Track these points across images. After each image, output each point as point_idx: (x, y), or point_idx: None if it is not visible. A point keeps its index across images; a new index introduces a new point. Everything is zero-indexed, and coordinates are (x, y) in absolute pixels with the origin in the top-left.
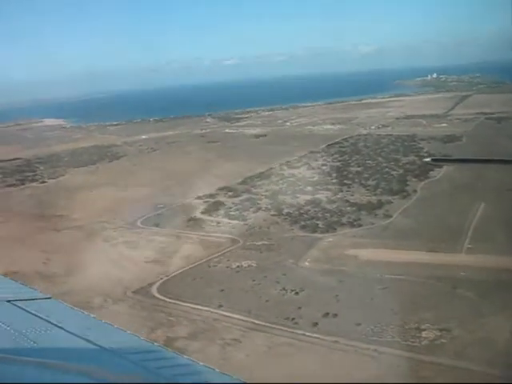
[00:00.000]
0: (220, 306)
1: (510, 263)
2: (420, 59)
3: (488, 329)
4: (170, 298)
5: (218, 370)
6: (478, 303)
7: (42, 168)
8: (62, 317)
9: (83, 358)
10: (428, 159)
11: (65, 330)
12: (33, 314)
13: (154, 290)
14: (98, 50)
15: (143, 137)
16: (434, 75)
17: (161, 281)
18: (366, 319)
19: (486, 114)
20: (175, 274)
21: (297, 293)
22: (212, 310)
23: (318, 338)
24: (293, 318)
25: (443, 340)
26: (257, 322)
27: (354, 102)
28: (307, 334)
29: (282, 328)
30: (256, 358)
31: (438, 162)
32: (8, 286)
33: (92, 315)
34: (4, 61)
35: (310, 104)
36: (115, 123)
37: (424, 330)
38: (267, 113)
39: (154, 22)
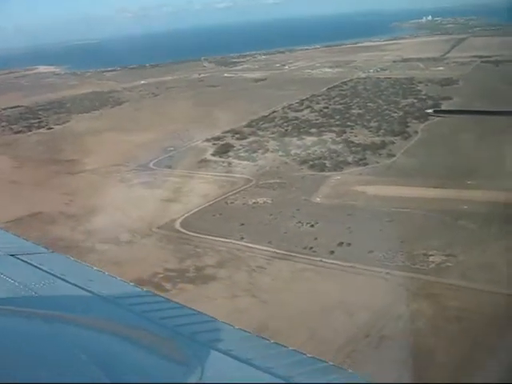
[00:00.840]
0: (242, 237)
1: (510, 197)
2: (415, 0)
3: (490, 254)
4: (193, 232)
5: (221, 321)
6: (480, 233)
7: (45, 115)
8: (64, 269)
9: (86, 308)
10: (430, 110)
11: (67, 281)
12: (35, 267)
13: (177, 225)
14: None
15: (142, 82)
16: (429, 17)
17: (182, 217)
18: (377, 247)
19: (482, 57)
20: (195, 210)
21: (312, 225)
22: (234, 241)
23: (335, 263)
24: (311, 247)
25: (449, 264)
26: (278, 251)
27: (350, 45)
28: (325, 260)
29: (302, 256)
30: (281, 282)
31: (440, 113)
32: (10, 241)
33: (94, 267)
34: None
35: (306, 47)
36: (110, 69)
37: (431, 255)
38: (264, 57)
39: None
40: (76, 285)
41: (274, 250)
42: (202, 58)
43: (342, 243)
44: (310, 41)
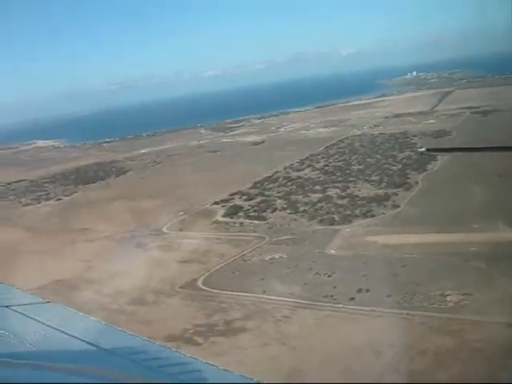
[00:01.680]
0: (264, 291)
1: None
2: (396, 58)
3: (503, 290)
4: (216, 289)
5: (220, 367)
6: (490, 272)
7: (51, 187)
8: (61, 320)
9: (84, 359)
10: (422, 149)
11: (65, 332)
12: (32, 319)
13: (199, 284)
14: (77, 68)
15: (142, 151)
16: (414, 73)
17: (203, 276)
18: (395, 291)
19: (470, 108)
20: (214, 269)
21: (329, 275)
22: (257, 295)
23: (357, 308)
24: (331, 296)
25: (466, 302)
26: (300, 301)
27: (341, 105)
28: (346, 306)
29: (324, 304)
30: (308, 329)
31: (432, 151)
32: (7, 292)
33: (92, 317)
34: None
35: (298, 109)
36: (109, 140)
37: (448, 295)
38: (258, 120)
39: (132, 39)
40: (73, 336)
41: (296, 300)
42: (198, 124)
43: (361, 290)
44: (301, 102)
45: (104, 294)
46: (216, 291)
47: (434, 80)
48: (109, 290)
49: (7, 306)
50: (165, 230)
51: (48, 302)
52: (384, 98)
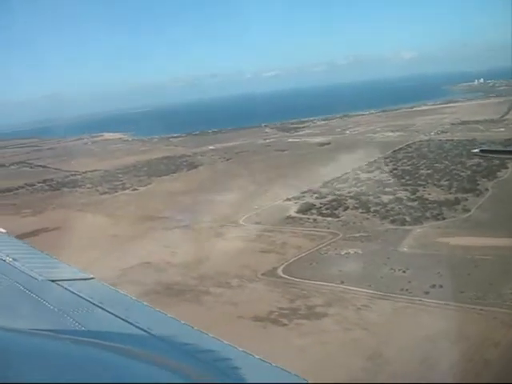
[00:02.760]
0: (342, 282)
1: None
2: (462, 64)
3: None
4: (296, 278)
5: (257, 357)
6: None
7: (125, 178)
8: (103, 297)
9: (122, 338)
10: (476, 150)
11: (105, 310)
12: (75, 294)
13: (279, 272)
14: (144, 65)
15: (210, 147)
16: (481, 80)
17: (282, 266)
18: (468, 288)
19: None
20: (293, 260)
21: (404, 271)
22: (336, 285)
23: (432, 301)
24: (407, 289)
25: None
26: (378, 292)
27: (405, 110)
28: (422, 299)
29: (400, 296)
30: (386, 317)
31: (487, 152)
32: (52, 266)
33: (133, 297)
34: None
35: (362, 113)
36: (175, 135)
37: None
38: (322, 122)
39: (197, 38)
40: (113, 314)
41: (373, 291)
42: (263, 124)
43: (435, 285)
44: (365, 106)
45: (190, 277)
46: (296, 279)
47: (502, 88)
48: (194, 273)
49: (53, 281)
50: (241, 222)
51: (92, 278)
52: (450, 105)
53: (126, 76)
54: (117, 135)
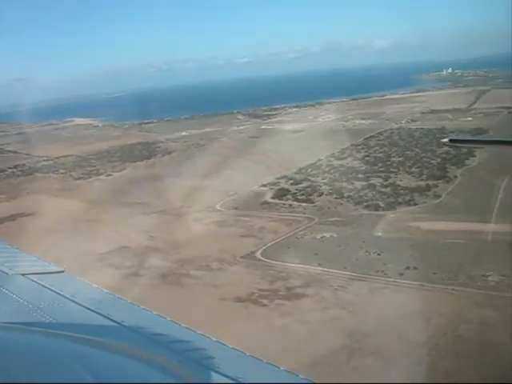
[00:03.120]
0: (319, 264)
1: None
2: (431, 53)
3: None
4: (274, 261)
5: (228, 345)
6: None
7: (99, 163)
8: (74, 290)
9: (94, 330)
10: (445, 140)
11: (77, 303)
12: (46, 288)
13: (258, 256)
14: (111, 49)
15: (183, 133)
16: (450, 70)
17: (261, 249)
18: (440, 270)
19: (508, 108)
20: (271, 243)
21: (379, 254)
22: (313, 267)
23: (406, 283)
24: (382, 271)
25: (508, 282)
26: (353, 274)
27: (377, 98)
28: (397, 280)
29: (376, 278)
30: (363, 297)
31: (456, 142)
32: (22, 259)
33: (104, 289)
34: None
35: (333, 100)
36: (147, 121)
37: (489, 275)
38: (294, 109)
39: (166, 24)
40: (85, 306)
41: (349, 273)
42: (235, 110)
43: (409, 267)
44: (336, 94)
45: (170, 261)
46: (274, 262)
47: (470, 78)
48: (174, 257)
49: (23, 274)
50: (218, 207)
51: (62, 271)
52: (420, 94)
53: (99, 61)
54: (88, 121)
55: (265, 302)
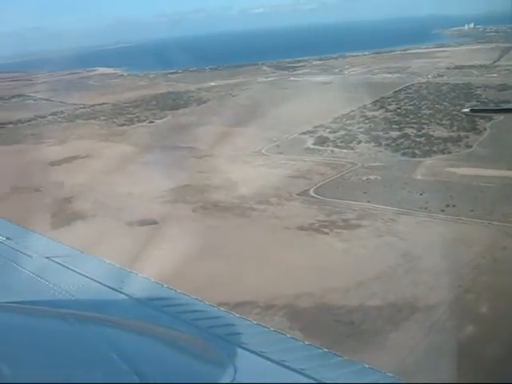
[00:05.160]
0: (368, 201)
1: None
2: (453, 7)
3: None
4: (327, 198)
5: (254, 322)
6: None
7: (137, 111)
8: (97, 271)
9: (119, 310)
10: (466, 109)
11: (101, 283)
12: (70, 269)
13: (311, 193)
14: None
15: (212, 84)
16: (472, 25)
17: (312, 188)
18: (477, 208)
19: None
20: (320, 184)
21: (420, 194)
22: (363, 203)
23: (447, 217)
24: (425, 207)
25: None
26: (400, 209)
27: (400, 52)
28: (439, 215)
29: (420, 213)
30: (411, 227)
31: (478, 112)
32: (45, 244)
33: (126, 268)
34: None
35: (356, 54)
36: (172, 71)
37: None
38: (319, 62)
39: None
40: (109, 287)
41: (397, 209)
42: (259, 62)
43: (449, 205)
44: (358, 47)
45: (232, 197)
46: (327, 199)
47: (492, 34)
48: (234, 193)
49: (48, 258)
50: (264, 152)
51: (85, 253)
52: (443, 49)
53: (108, 11)
54: (111, 70)
55: (325, 230)
